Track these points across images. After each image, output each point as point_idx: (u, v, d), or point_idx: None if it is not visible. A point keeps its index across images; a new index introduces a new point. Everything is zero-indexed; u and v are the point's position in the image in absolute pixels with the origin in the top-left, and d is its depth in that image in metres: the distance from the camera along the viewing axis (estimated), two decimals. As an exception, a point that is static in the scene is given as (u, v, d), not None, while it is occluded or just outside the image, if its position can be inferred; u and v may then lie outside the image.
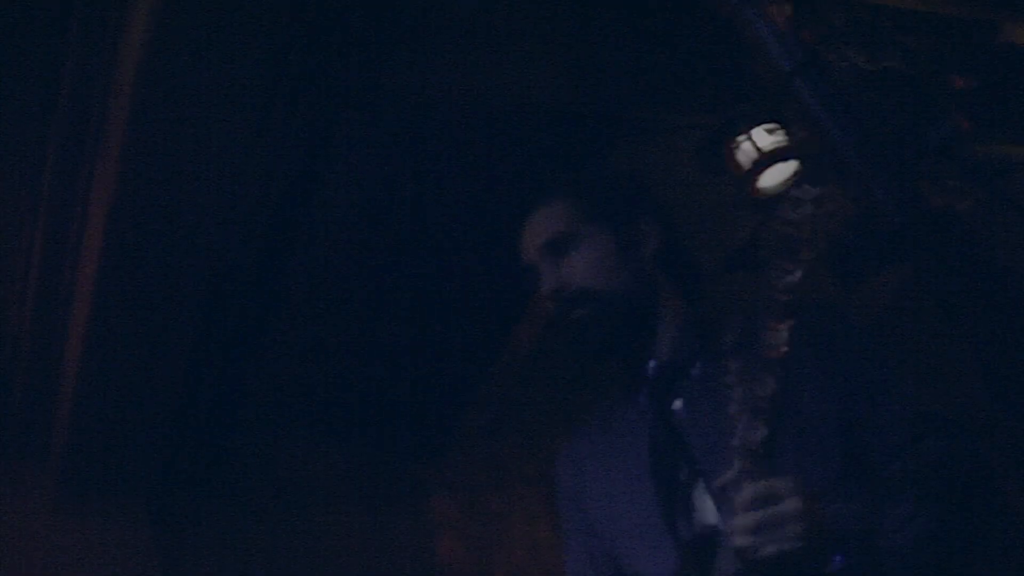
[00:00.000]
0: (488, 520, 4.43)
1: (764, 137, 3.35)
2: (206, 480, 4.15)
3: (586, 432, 2.20)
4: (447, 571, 4.35)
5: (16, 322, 3.65)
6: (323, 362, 4.03)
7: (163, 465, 3.95)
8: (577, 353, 2.06)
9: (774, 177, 3.42)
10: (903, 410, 1.89)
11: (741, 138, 3.40)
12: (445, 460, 4.49)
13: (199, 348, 3.60)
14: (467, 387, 4.23)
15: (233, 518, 4.14)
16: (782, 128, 3.31)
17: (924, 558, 1.77)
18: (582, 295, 2.03)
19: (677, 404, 2.00)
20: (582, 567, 2.14)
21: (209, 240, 3.15)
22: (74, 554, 3.85)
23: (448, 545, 4.43)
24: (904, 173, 1.64)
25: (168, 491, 4.05)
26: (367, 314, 3.93)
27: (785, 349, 1.69)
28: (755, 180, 3.40)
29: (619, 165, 3.11)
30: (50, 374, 3.71)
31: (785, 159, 3.35)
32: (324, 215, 3.48)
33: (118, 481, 3.91)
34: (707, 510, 1.91)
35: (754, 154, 3.38)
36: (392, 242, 3.70)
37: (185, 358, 3.52)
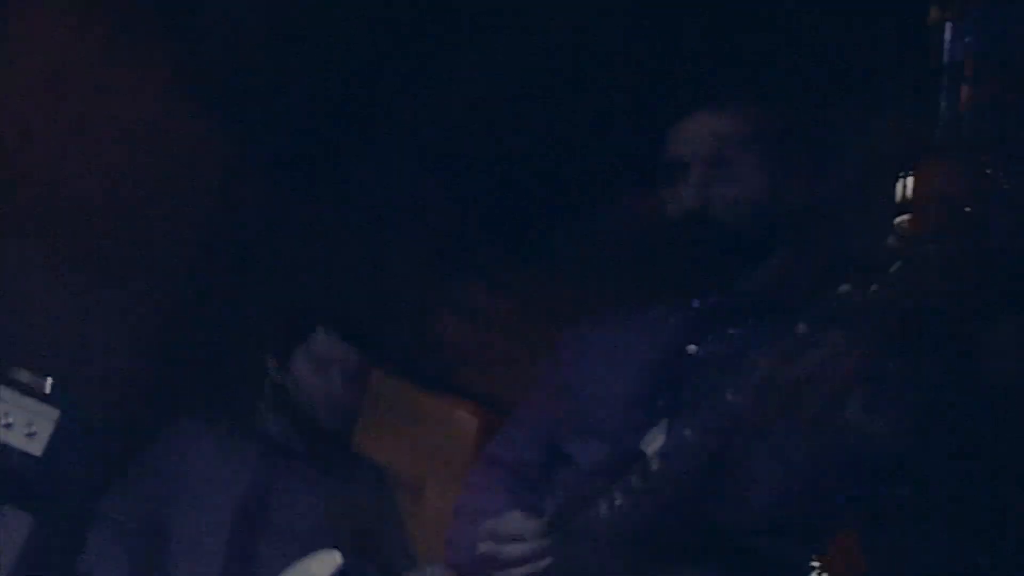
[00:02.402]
0: (496, 324, 4.65)
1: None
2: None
3: (611, 320, 2.24)
4: (444, 346, 4.59)
5: None
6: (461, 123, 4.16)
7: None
8: (679, 259, 2.09)
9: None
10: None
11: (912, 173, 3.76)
12: (499, 256, 4.61)
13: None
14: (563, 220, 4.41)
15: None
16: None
17: None
18: (723, 221, 2.01)
19: (692, 348, 2.01)
20: (530, 419, 2.24)
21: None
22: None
23: (456, 326, 4.65)
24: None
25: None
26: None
27: (825, 364, 1.67)
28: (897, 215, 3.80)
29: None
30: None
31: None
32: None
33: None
34: (654, 444, 1.90)
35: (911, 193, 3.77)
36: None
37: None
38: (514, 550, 1.93)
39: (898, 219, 3.81)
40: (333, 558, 2.96)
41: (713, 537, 1.82)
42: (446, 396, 4.61)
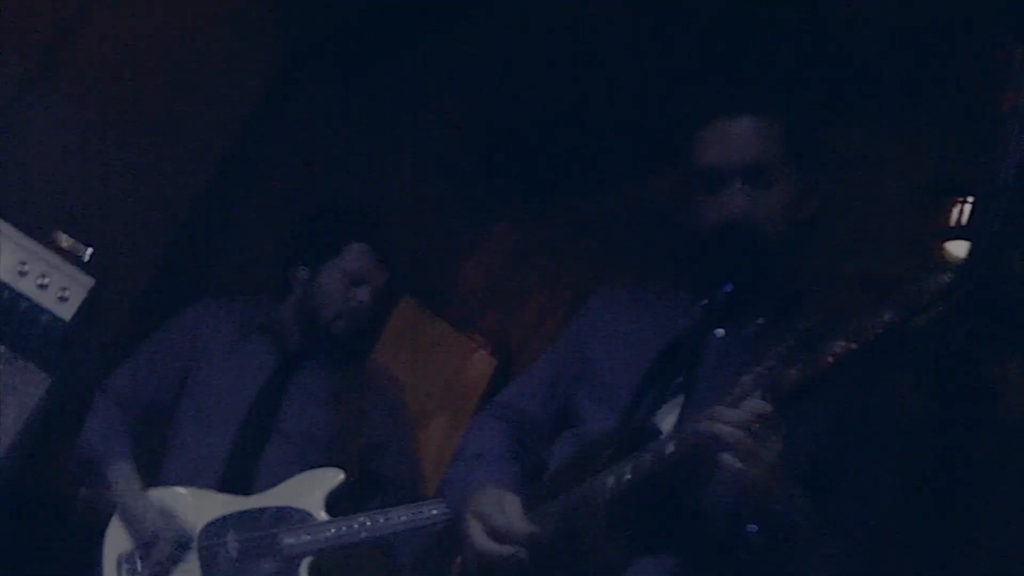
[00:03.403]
0: (530, 274, 4.67)
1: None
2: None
3: (636, 292, 2.27)
4: (462, 286, 4.63)
5: None
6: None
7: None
8: (706, 263, 2.08)
9: (963, 252, 3.74)
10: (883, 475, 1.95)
11: (971, 200, 3.69)
12: (528, 203, 4.65)
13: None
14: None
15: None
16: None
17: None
18: (760, 234, 2.01)
19: (719, 331, 2.03)
20: (546, 371, 2.26)
21: None
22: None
23: (472, 268, 4.68)
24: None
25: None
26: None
27: (831, 361, 1.71)
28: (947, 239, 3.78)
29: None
30: None
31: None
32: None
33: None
34: (667, 420, 1.95)
35: (966, 220, 3.72)
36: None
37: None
38: (494, 549, 1.94)
39: (950, 244, 3.79)
40: (336, 475, 3.01)
41: (704, 524, 1.85)
42: (469, 336, 4.63)
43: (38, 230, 3.19)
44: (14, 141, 3.33)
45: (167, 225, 3.80)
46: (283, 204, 4.02)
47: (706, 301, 2.06)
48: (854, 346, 1.69)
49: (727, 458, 1.73)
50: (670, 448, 1.82)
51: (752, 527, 1.79)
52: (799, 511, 1.80)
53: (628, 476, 1.84)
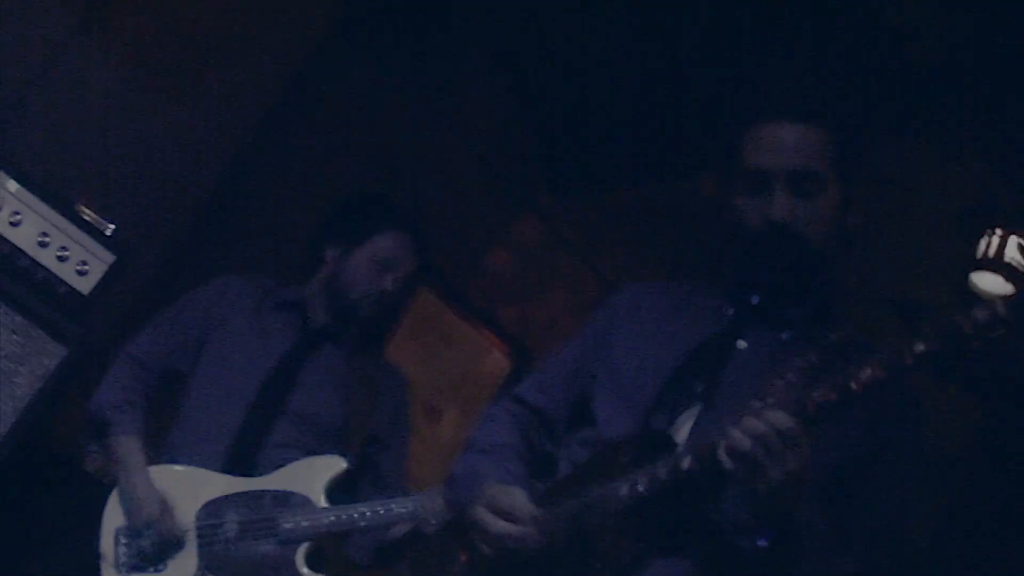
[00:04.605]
0: (551, 271, 4.68)
1: (1017, 251, 3.65)
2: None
3: (664, 290, 2.24)
4: (483, 279, 4.60)
5: None
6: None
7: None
8: (743, 265, 2.06)
9: (988, 284, 3.64)
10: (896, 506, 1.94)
11: (1000, 232, 3.62)
12: (557, 196, 4.66)
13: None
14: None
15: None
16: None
17: None
18: (801, 242, 1.99)
19: (742, 343, 2.02)
20: (564, 365, 2.23)
21: None
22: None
23: (494, 261, 4.65)
24: None
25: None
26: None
27: (857, 387, 1.70)
28: (974, 269, 3.70)
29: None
30: None
31: (1014, 280, 3.54)
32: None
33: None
34: (681, 431, 1.94)
35: (994, 252, 3.68)
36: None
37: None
38: (504, 528, 1.94)
39: (976, 275, 3.74)
40: (338, 463, 3.01)
41: (715, 534, 1.85)
42: (485, 331, 4.62)
43: (63, 202, 3.19)
44: (42, 111, 3.34)
45: (195, 200, 3.80)
46: (311, 187, 4.03)
47: (732, 310, 2.05)
48: (882, 374, 1.69)
49: (737, 470, 1.72)
50: (686, 463, 1.81)
51: (762, 542, 1.79)
52: (810, 527, 1.79)
53: (641, 488, 1.84)
